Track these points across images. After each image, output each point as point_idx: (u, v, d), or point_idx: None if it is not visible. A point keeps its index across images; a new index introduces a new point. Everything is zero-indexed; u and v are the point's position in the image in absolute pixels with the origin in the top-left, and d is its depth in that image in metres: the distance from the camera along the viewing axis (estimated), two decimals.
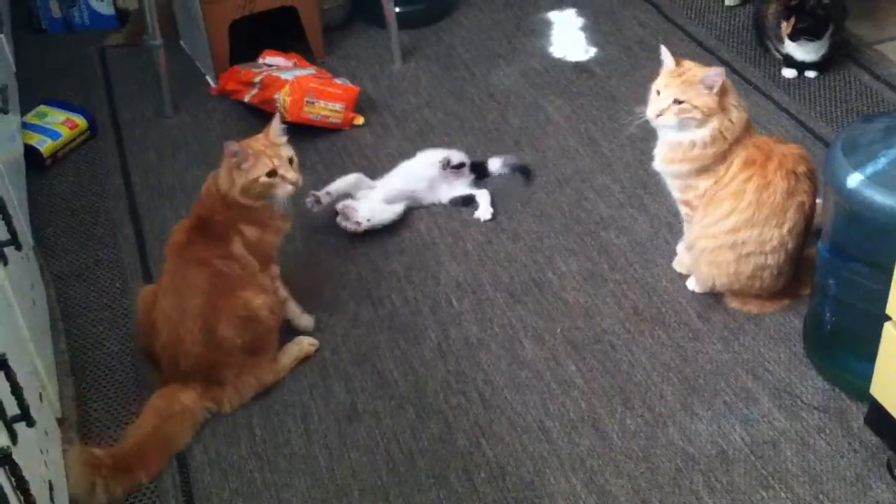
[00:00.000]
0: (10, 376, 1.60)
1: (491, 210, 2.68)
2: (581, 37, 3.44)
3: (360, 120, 3.07)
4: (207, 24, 3.15)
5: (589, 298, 2.43)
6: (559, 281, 2.48)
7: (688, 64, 2.21)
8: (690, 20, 3.47)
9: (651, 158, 2.34)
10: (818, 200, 2.26)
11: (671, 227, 2.58)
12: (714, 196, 2.24)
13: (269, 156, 2.16)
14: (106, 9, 3.61)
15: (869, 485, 1.97)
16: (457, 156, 2.76)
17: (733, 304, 2.37)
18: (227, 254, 2.16)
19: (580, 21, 3.53)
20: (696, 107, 2.15)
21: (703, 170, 2.23)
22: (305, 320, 2.36)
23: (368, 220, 2.60)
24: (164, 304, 2.14)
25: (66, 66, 3.42)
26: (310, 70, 3.10)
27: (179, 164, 2.95)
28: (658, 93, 2.20)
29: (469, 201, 2.72)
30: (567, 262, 2.53)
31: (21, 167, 2.80)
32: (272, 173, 2.15)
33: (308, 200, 2.60)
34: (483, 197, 2.71)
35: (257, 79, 3.03)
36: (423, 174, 2.72)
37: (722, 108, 2.17)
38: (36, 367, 2.06)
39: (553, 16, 3.57)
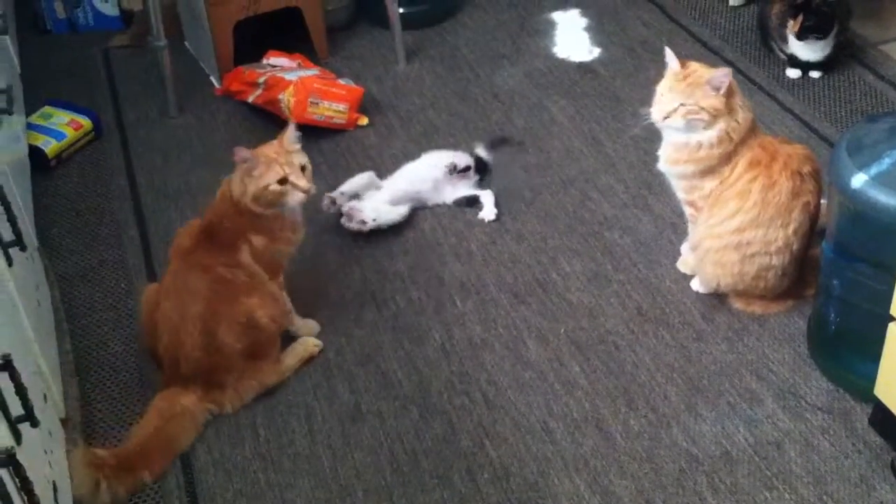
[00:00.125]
0: (15, 376, 1.60)
1: (495, 210, 2.68)
2: (585, 37, 3.44)
3: (364, 121, 3.07)
4: (212, 25, 3.15)
5: (593, 299, 2.43)
6: (563, 281, 2.48)
7: (693, 65, 2.21)
8: (694, 20, 3.47)
9: (655, 159, 2.34)
10: (822, 201, 2.26)
11: (675, 227, 2.58)
12: (719, 196, 2.24)
13: (280, 163, 2.13)
14: (110, 10, 3.61)
15: (873, 486, 1.97)
16: (462, 159, 2.77)
17: (737, 304, 2.37)
18: (234, 262, 2.15)
19: (584, 21, 3.52)
20: (703, 109, 2.15)
21: (708, 170, 2.23)
22: (305, 329, 2.34)
23: (374, 220, 2.60)
24: (167, 306, 2.14)
25: (70, 66, 3.43)
26: (314, 71, 3.10)
27: (184, 165, 2.95)
28: (664, 95, 2.19)
29: (473, 202, 2.72)
30: (571, 263, 2.53)
31: (26, 168, 2.80)
32: (283, 181, 2.12)
33: (324, 203, 2.61)
34: (487, 197, 2.71)
35: (261, 79, 3.03)
36: (428, 175, 2.73)
37: (728, 108, 2.17)
38: (40, 368, 2.06)
39: (557, 16, 3.57)
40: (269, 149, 2.17)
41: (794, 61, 3.12)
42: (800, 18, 2.98)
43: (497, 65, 3.31)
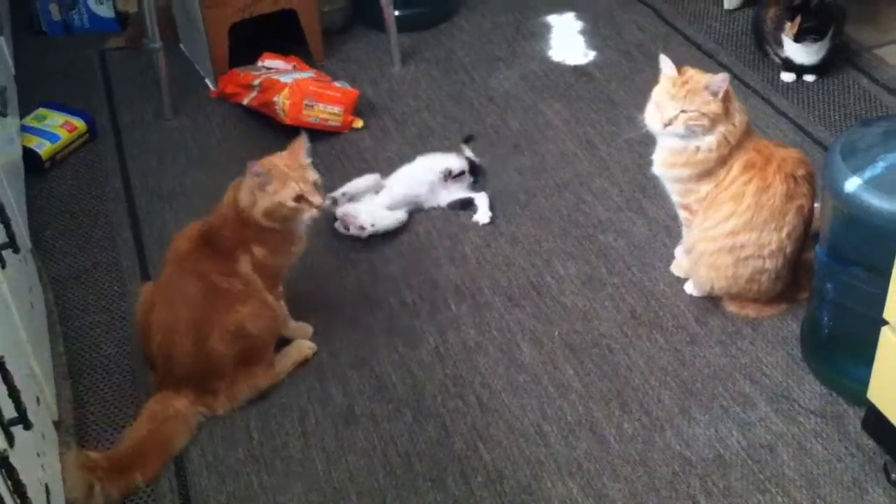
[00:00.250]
0: (8, 379, 1.60)
1: (489, 214, 2.68)
2: (580, 40, 3.45)
3: (359, 123, 3.07)
4: (207, 28, 3.15)
5: (587, 302, 2.43)
6: (557, 285, 2.48)
7: (690, 71, 2.21)
8: (689, 24, 3.47)
9: (650, 162, 2.34)
10: (816, 205, 2.27)
11: (669, 230, 2.58)
12: (714, 199, 2.24)
13: (295, 179, 2.09)
14: (106, 11, 3.61)
15: (866, 489, 1.97)
16: (456, 163, 2.76)
17: (731, 308, 2.37)
18: (230, 271, 2.13)
19: (579, 25, 3.53)
20: (704, 114, 2.15)
21: (705, 174, 2.23)
22: (300, 332, 2.34)
23: (373, 226, 2.60)
24: (160, 309, 2.14)
25: (65, 68, 3.42)
26: (309, 73, 3.10)
27: (179, 168, 2.95)
28: (664, 102, 2.19)
29: (468, 205, 2.72)
30: (565, 266, 2.53)
31: (20, 170, 2.80)
32: (299, 198, 2.10)
33: (326, 203, 2.61)
34: (482, 200, 2.71)
35: (257, 82, 3.03)
36: (424, 179, 2.73)
37: (726, 112, 2.17)
38: (33, 370, 2.06)
39: (552, 19, 3.57)
40: (281, 161, 2.13)
41: (788, 65, 3.12)
42: (798, 20, 2.98)
43: (492, 68, 3.32)
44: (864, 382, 1.95)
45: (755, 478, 2.00)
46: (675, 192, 2.33)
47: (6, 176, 2.47)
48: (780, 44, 3.10)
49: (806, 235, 2.27)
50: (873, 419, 1.98)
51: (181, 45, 3.47)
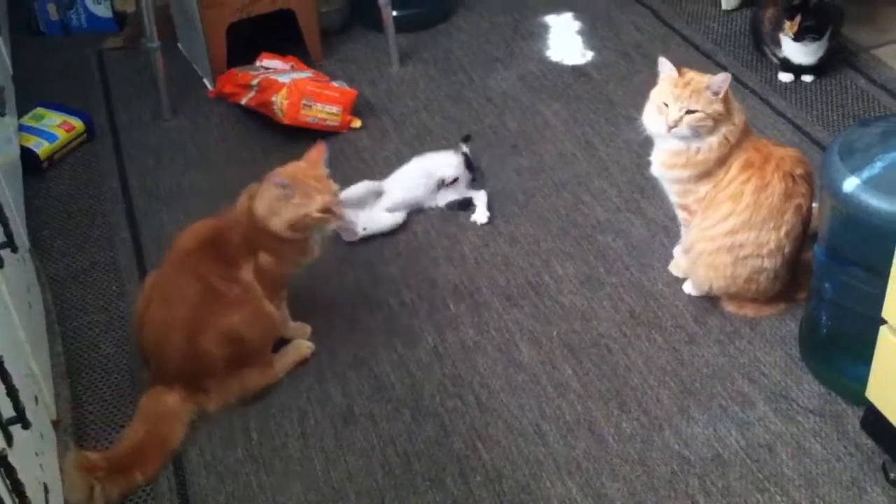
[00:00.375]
0: (6, 379, 1.60)
1: (488, 213, 2.68)
2: (578, 41, 3.45)
3: (357, 123, 3.07)
4: (205, 27, 3.15)
5: (585, 302, 2.43)
6: (556, 284, 2.48)
7: (690, 73, 2.21)
8: (687, 25, 3.48)
9: (648, 163, 2.34)
10: (814, 204, 2.27)
11: (668, 230, 2.58)
12: (713, 199, 2.24)
13: (320, 191, 2.09)
14: (104, 11, 3.61)
15: (864, 489, 1.97)
16: (449, 171, 2.73)
17: (730, 307, 2.37)
18: (231, 276, 2.12)
19: (577, 25, 3.53)
20: (708, 115, 2.15)
21: (705, 174, 2.23)
22: (298, 332, 2.33)
23: (364, 230, 2.61)
24: (156, 304, 2.13)
25: (63, 68, 3.42)
26: (307, 73, 3.10)
27: (177, 168, 2.95)
28: (666, 105, 2.18)
29: (466, 205, 2.72)
30: (564, 266, 2.53)
31: (18, 170, 2.79)
32: (325, 209, 2.09)
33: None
34: (480, 200, 2.71)
35: (255, 81, 3.03)
36: (420, 183, 2.72)
37: (727, 112, 2.18)
38: (32, 370, 2.06)
39: (550, 20, 3.57)
40: (301, 172, 2.12)
41: (786, 65, 3.13)
42: (798, 19, 2.99)
43: (490, 68, 3.32)
44: (863, 382, 1.96)
45: (754, 477, 2.01)
46: (673, 193, 2.33)
47: (4, 176, 2.46)
48: (778, 44, 3.11)
49: (804, 235, 2.27)
50: (872, 418, 1.98)
51: (179, 45, 3.47)
